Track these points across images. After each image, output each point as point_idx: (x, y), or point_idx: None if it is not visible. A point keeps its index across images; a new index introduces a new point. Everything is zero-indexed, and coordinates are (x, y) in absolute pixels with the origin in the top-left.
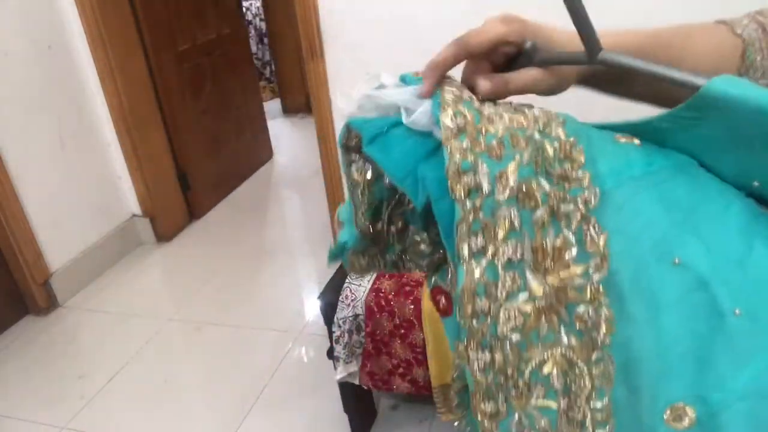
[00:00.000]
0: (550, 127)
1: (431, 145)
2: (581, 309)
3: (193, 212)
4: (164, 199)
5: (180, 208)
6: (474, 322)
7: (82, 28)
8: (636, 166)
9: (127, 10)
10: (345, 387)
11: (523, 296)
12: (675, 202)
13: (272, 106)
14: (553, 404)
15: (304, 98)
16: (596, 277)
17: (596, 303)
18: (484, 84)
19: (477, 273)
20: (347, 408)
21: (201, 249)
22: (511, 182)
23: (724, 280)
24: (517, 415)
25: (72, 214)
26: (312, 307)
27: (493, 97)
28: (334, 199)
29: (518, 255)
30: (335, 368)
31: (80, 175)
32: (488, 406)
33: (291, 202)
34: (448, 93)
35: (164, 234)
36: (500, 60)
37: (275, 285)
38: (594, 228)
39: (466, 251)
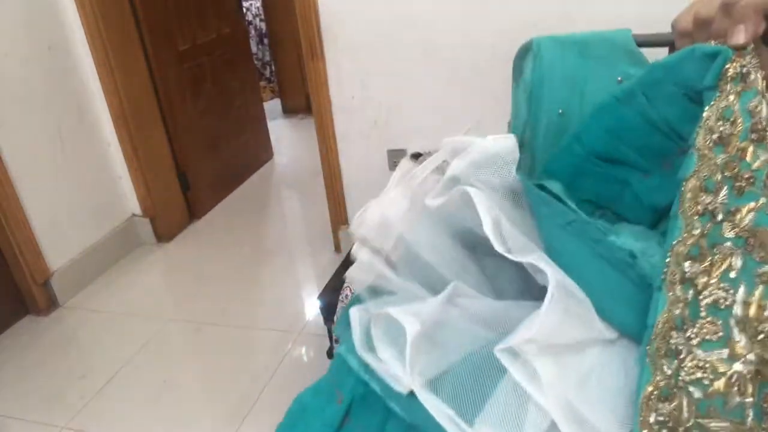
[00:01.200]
0: None
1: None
2: None
3: (193, 212)
4: (164, 199)
5: (180, 208)
6: (664, 362)
7: (82, 28)
8: None
9: (127, 10)
10: None
11: (719, 351)
12: None
13: (272, 106)
14: None
15: (304, 98)
16: None
17: None
18: (745, 32)
19: (680, 305)
20: None
21: (201, 249)
22: (745, 223)
23: None
24: None
25: (72, 214)
26: (312, 307)
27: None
28: (334, 199)
29: (727, 302)
30: None
31: (80, 175)
32: None
33: (291, 202)
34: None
35: (164, 234)
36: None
37: (275, 285)
38: None
39: (676, 276)
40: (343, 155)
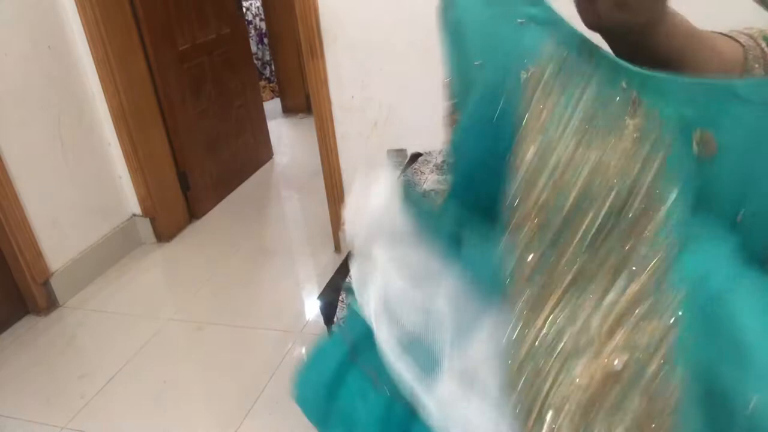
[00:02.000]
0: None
1: None
2: None
3: (193, 212)
4: (164, 199)
5: (180, 208)
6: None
7: (82, 28)
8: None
9: (127, 10)
10: None
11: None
12: None
13: (272, 106)
14: None
15: (304, 98)
16: None
17: None
18: None
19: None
20: None
21: (201, 249)
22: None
23: None
24: None
25: (72, 214)
26: (312, 307)
27: None
28: (334, 199)
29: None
30: None
31: (80, 175)
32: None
33: (291, 202)
34: None
35: (164, 234)
36: None
37: (275, 285)
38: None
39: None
40: (343, 155)
